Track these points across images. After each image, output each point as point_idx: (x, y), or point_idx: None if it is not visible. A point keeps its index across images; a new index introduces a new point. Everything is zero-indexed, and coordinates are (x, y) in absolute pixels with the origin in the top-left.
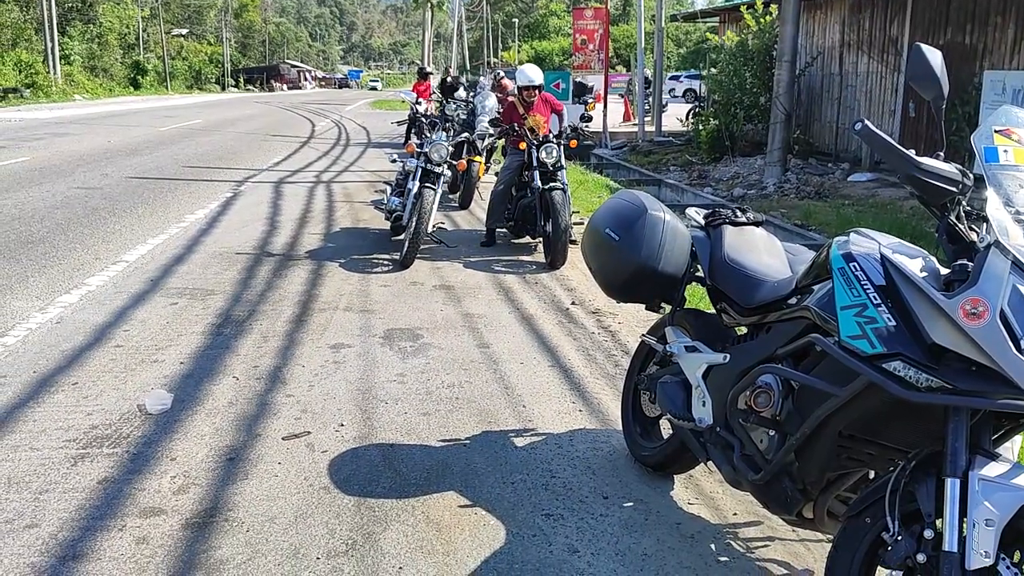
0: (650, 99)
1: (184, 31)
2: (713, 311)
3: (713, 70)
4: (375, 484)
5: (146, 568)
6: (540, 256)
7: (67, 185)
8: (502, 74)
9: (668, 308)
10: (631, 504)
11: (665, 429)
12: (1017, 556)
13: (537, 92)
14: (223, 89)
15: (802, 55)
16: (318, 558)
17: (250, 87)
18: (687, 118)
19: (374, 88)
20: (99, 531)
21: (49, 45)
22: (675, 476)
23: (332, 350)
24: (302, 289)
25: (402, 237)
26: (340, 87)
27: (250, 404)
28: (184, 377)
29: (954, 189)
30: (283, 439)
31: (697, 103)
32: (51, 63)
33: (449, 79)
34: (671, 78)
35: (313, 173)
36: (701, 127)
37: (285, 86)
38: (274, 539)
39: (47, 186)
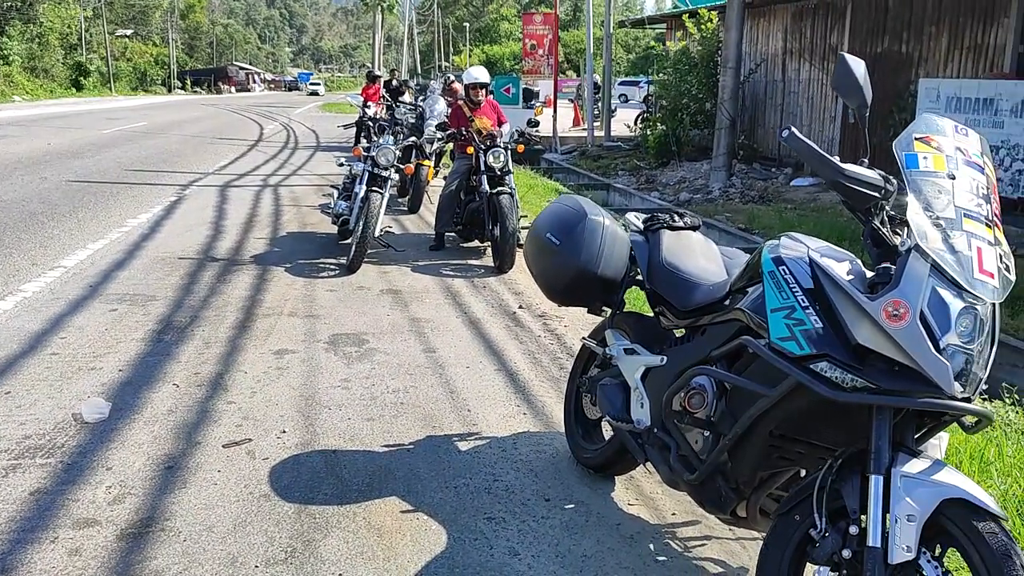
0: (599, 104)
1: (128, 32)
2: (652, 314)
3: (661, 76)
4: (316, 491)
5: None
6: (489, 260)
7: (3, 189)
8: (452, 78)
9: (609, 311)
10: (572, 506)
11: (607, 431)
12: (938, 550)
13: (484, 92)
14: (169, 91)
15: (746, 62)
16: (256, 566)
17: (197, 89)
18: (635, 123)
19: (315, 93)
20: (30, 543)
21: None
22: (616, 477)
23: (276, 356)
24: (246, 294)
25: (349, 241)
26: (290, 90)
27: (190, 412)
28: (122, 385)
29: (877, 195)
30: (223, 447)
31: (646, 108)
32: None
33: (396, 82)
34: (629, 83)
35: (260, 177)
36: (649, 132)
37: (233, 88)
38: (212, 548)
39: None
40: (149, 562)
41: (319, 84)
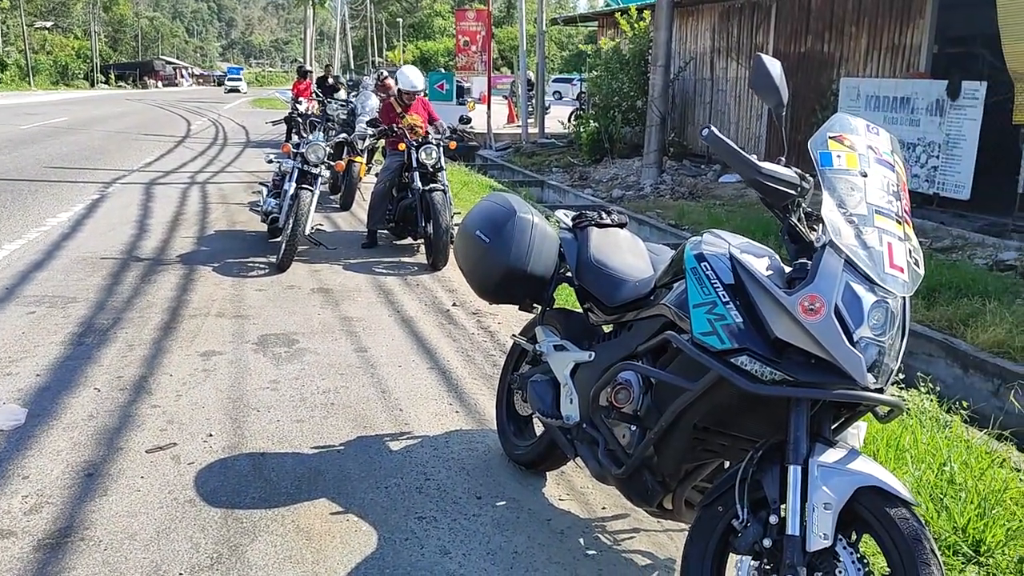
0: (533, 101)
1: (48, 24)
2: (580, 310)
3: (592, 73)
4: (243, 495)
5: None
6: (422, 257)
7: None
8: (386, 73)
9: (539, 308)
10: (504, 503)
11: (538, 428)
12: (853, 536)
13: (416, 95)
14: (92, 85)
15: (675, 60)
16: (181, 574)
17: (122, 84)
18: (569, 120)
19: (235, 90)
20: None
21: None
22: (547, 473)
23: (202, 358)
24: (172, 295)
25: (279, 239)
26: (219, 84)
27: (112, 416)
28: (40, 390)
29: (793, 192)
30: (147, 452)
31: (580, 106)
32: None
33: (330, 79)
34: (563, 80)
35: (187, 174)
36: (582, 130)
37: (160, 83)
38: (134, 556)
39: None
40: (67, 573)
41: (239, 80)
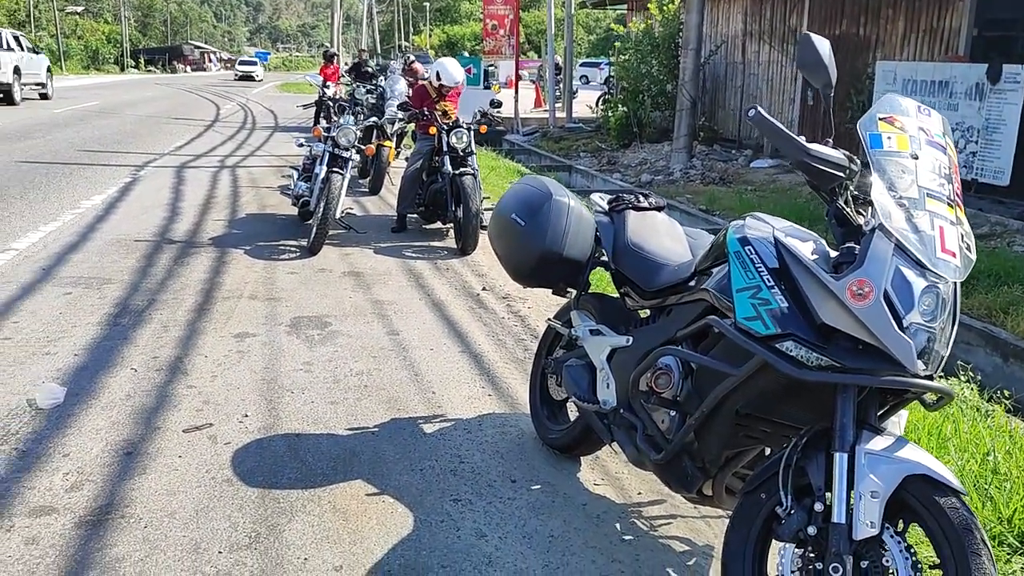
0: (561, 85)
1: (79, 9)
2: (617, 295)
3: (622, 57)
4: (280, 475)
5: (36, 569)
6: (451, 242)
7: None
8: (413, 58)
9: (574, 292)
10: (539, 487)
11: (572, 412)
12: (900, 525)
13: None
14: (122, 70)
15: (706, 44)
16: (220, 552)
17: (151, 68)
18: (597, 105)
19: (249, 76)
20: None
21: None
22: (581, 458)
23: (236, 339)
24: (205, 277)
25: (310, 223)
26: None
27: (149, 396)
28: (78, 370)
29: (841, 174)
30: (184, 432)
31: (608, 90)
32: None
33: (366, 67)
34: (590, 64)
35: (217, 158)
36: (610, 114)
37: (188, 68)
38: (173, 534)
39: None
40: (109, 549)
41: (254, 65)
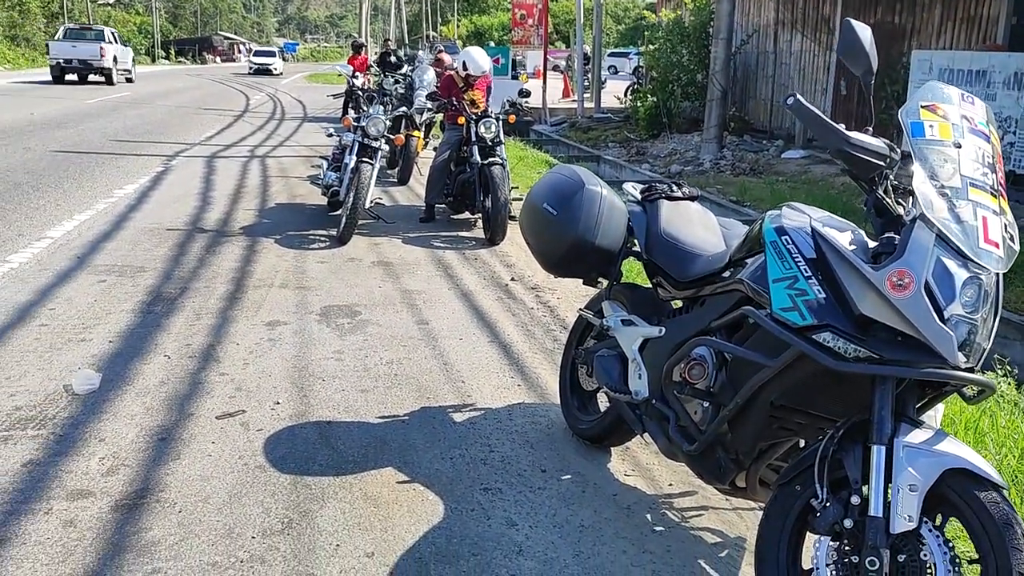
0: (589, 75)
1: (111, 0)
2: (649, 285)
3: (651, 47)
4: (312, 462)
5: (74, 551)
6: (480, 232)
7: None
8: (441, 48)
9: (605, 283)
10: (569, 477)
11: (602, 402)
12: (939, 519)
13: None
14: (153, 61)
15: (738, 33)
16: (253, 537)
17: (182, 59)
18: (625, 95)
19: (266, 70)
20: (24, 515)
21: None
22: (612, 448)
23: (267, 328)
24: (236, 266)
25: (339, 213)
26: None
27: (182, 383)
28: (113, 356)
29: (882, 163)
30: (217, 418)
31: (636, 80)
32: None
33: (394, 58)
34: (619, 54)
35: (247, 148)
36: (639, 104)
37: (218, 59)
38: (207, 519)
39: None
40: (145, 533)
41: (272, 56)
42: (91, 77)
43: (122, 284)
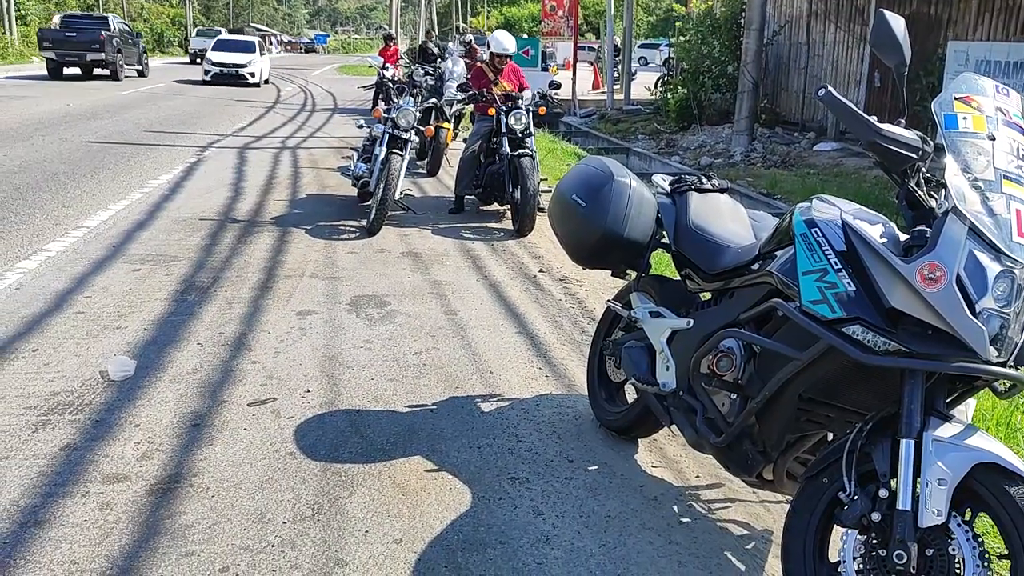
0: (619, 67)
1: None
2: (678, 277)
3: (681, 38)
4: (341, 449)
5: (110, 533)
6: (508, 223)
7: (25, 149)
8: (471, 39)
9: (634, 274)
10: (596, 467)
11: (629, 394)
12: (968, 514)
13: (507, 60)
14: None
15: (770, 24)
16: (284, 522)
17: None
18: (655, 87)
19: (233, 76)
20: (62, 497)
21: (4, 5)
22: (639, 440)
23: (298, 317)
24: (267, 255)
25: (369, 203)
26: (306, 52)
27: (215, 370)
28: (147, 344)
29: (914, 156)
30: (248, 405)
31: (666, 72)
32: (7, 24)
33: (432, 47)
34: (649, 46)
35: (278, 139)
36: (669, 96)
37: None
38: (240, 504)
39: (4, 150)
40: (179, 517)
41: (246, 52)
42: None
43: (156, 273)
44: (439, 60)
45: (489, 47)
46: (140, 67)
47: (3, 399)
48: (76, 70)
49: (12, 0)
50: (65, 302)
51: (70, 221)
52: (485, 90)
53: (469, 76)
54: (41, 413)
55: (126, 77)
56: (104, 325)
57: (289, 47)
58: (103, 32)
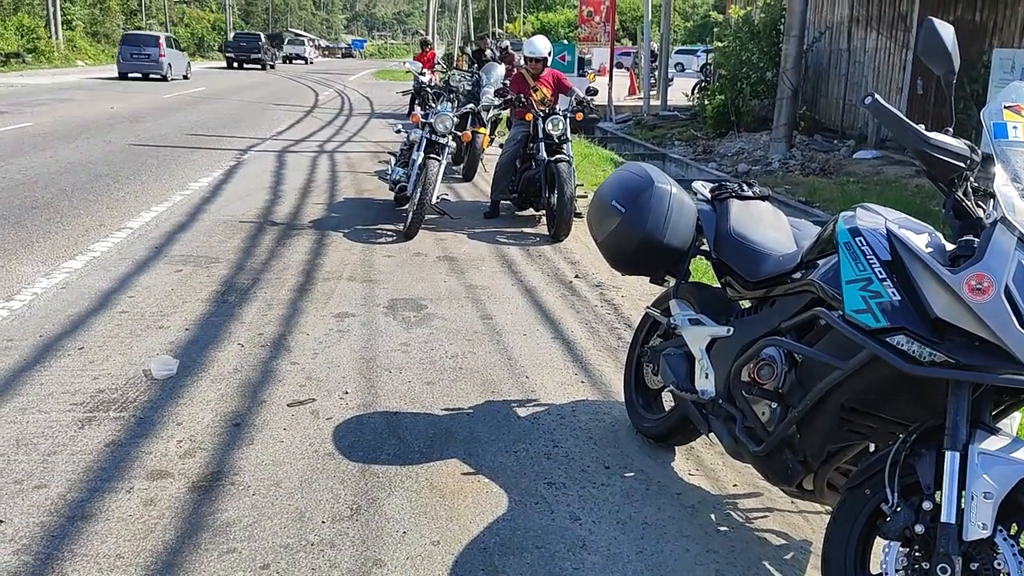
0: (656, 73)
1: None
2: (718, 285)
3: (719, 44)
4: (379, 451)
5: (154, 529)
6: (543, 228)
7: (70, 151)
8: (508, 44)
9: (673, 281)
10: (632, 474)
11: (667, 401)
12: (1014, 528)
13: (543, 65)
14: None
15: (810, 30)
16: (323, 522)
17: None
18: (692, 93)
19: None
20: (107, 492)
21: (51, 10)
22: (675, 448)
23: (336, 319)
24: (306, 258)
25: (406, 208)
26: (344, 56)
27: (255, 371)
28: (189, 343)
29: (962, 165)
30: (288, 406)
31: (704, 78)
32: (53, 28)
33: (490, 51)
34: (686, 52)
35: (316, 143)
36: (707, 102)
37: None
38: (280, 503)
39: (50, 152)
40: (220, 514)
41: (150, 50)
42: None
43: (197, 274)
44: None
45: (524, 50)
46: (185, 73)
47: (51, 396)
48: (138, 74)
49: (59, 6)
50: (109, 301)
51: (114, 222)
52: (523, 95)
53: (506, 81)
54: (87, 410)
55: (172, 79)
56: (147, 324)
57: (327, 52)
58: (158, 48)
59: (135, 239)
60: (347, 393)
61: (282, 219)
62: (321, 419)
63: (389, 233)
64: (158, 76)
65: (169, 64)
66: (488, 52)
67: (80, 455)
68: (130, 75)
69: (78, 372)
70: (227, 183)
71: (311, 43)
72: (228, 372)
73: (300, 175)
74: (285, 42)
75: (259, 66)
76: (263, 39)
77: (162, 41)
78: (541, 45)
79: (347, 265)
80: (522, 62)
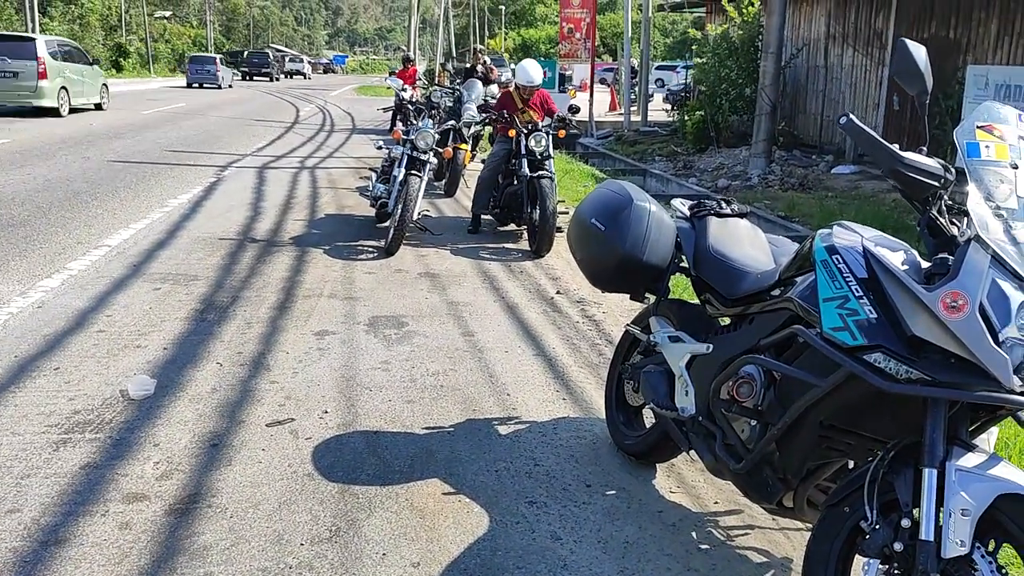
0: (636, 89)
1: (167, 13)
2: (697, 302)
3: (699, 60)
4: (359, 471)
5: (129, 553)
6: (525, 244)
7: (48, 168)
8: (488, 60)
9: (653, 298)
10: (613, 492)
11: (648, 418)
12: (992, 545)
13: (534, 91)
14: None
15: (787, 47)
16: (302, 544)
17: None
18: (672, 106)
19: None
20: (82, 516)
21: (30, 26)
22: (657, 465)
23: (316, 337)
24: (286, 275)
25: (387, 224)
26: (325, 72)
27: (233, 390)
28: (167, 363)
29: (936, 184)
30: (267, 426)
31: (683, 94)
32: None
33: (480, 67)
34: (666, 68)
35: (297, 159)
36: (687, 118)
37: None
38: (258, 525)
39: (28, 169)
40: (197, 537)
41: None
42: None
43: (176, 292)
44: (492, 87)
45: (514, 75)
46: (231, 83)
47: (25, 417)
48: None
49: (37, 21)
50: (86, 321)
51: (91, 240)
52: (506, 112)
53: (493, 97)
54: (62, 431)
55: (223, 88)
56: (124, 344)
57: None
58: (215, 66)
59: (113, 257)
60: (327, 412)
61: (262, 236)
62: (300, 439)
63: (370, 250)
64: (214, 86)
65: (222, 76)
66: (480, 69)
67: (54, 478)
68: (192, 85)
69: (53, 393)
70: (207, 200)
71: (307, 61)
72: (206, 392)
73: (281, 191)
74: (287, 60)
75: (267, 78)
76: (271, 56)
77: (218, 61)
78: (535, 73)
79: (327, 282)
80: (503, 79)
